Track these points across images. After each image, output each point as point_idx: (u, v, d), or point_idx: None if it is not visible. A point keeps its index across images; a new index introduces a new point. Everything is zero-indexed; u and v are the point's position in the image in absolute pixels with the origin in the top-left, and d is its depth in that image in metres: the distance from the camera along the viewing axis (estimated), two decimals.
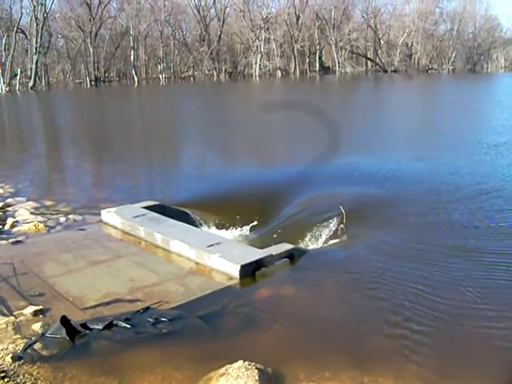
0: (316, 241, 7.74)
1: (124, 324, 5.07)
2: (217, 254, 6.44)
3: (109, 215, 8.20)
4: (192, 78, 64.73)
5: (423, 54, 74.82)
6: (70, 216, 8.62)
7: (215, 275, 6.33)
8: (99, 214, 8.59)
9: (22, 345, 4.77)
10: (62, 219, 8.47)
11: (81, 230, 7.98)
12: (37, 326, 5.07)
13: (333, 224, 7.90)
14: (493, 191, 9.60)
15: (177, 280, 6.19)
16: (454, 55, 71.61)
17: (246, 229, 8.44)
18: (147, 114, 30.27)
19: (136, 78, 69.89)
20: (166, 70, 68.45)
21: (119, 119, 27.31)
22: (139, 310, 5.35)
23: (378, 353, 4.89)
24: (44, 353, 4.69)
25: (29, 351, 4.69)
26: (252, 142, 17.51)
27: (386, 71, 72.27)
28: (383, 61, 74.51)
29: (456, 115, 23.61)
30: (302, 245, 7.61)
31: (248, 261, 6.25)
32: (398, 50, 73.15)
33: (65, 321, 4.93)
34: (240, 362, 4.46)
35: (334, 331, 5.32)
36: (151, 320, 5.16)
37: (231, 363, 4.48)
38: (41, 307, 5.44)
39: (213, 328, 5.24)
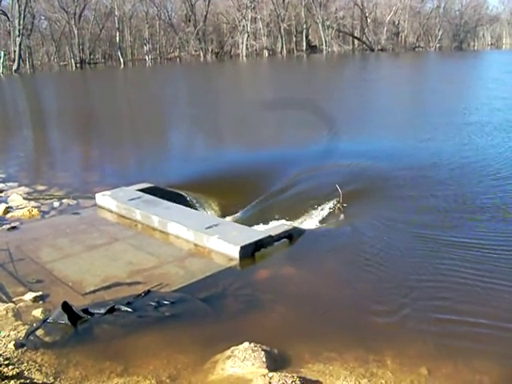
0: (313, 220, 7.72)
1: (126, 308, 5.02)
2: (216, 236, 6.39)
3: (104, 199, 8.10)
4: (178, 59, 63.89)
5: (410, 32, 74.56)
6: (64, 200, 8.50)
7: (215, 257, 6.29)
8: (93, 198, 8.49)
9: (24, 331, 4.71)
10: (56, 204, 8.35)
11: (75, 214, 7.89)
12: (37, 312, 5.01)
13: (330, 203, 7.87)
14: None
15: (176, 262, 6.15)
16: (440, 33, 71.43)
17: (242, 209, 8.39)
18: (134, 96, 29.88)
19: (122, 60, 68.82)
20: (152, 51, 67.49)
21: (106, 101, 26.95)
22: (140, 294, 5.30)
23: (381, 331, 4.91)
24: (47, 339, 4.63)
25: (31, 338, 4.63)
26: (241, 124, 17.34)
27: (372, 50, 71.98)
28: (370, 39, 74.14)
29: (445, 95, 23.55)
30: (299, 224, 7.60)
31: (247, 242, 6.21)
32: (385, 29, 72.77)
33: (66, 306, 4.87)
34: (246, 344, 4.44)
35: (336, 310, 5.34)
36: (153, 303, 5.12)
37: (236, 345, 4.46)
38: (40, 293, 5.37)
39: (215, 310, 5.23)
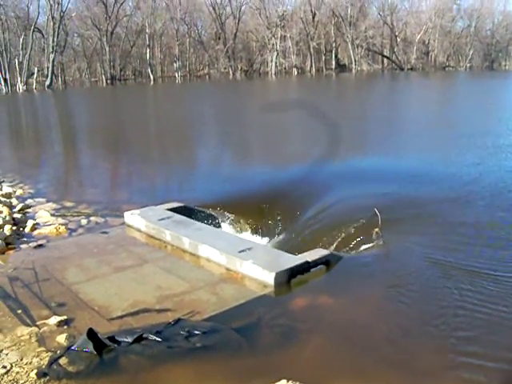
0: (350, 246, 7.32)
1: (155, 337, 4.70)
2: (250, 261, 6.05)
3: (132, 217, 7.86)
4: (207, 76, 64.42)
5: (440, 51, 73.75)
6: (92, 218, 8.29)
7: (248, 283, 5.94)
8: (121, 216, 8.26)
9: (47, 359, 4.44)
10: (84, 221, 8.15)
11: (103, 233, 7.66)
12: (61, 338, 4.73)
13: (367, 228, 7.46)
14: None
15: (208, 288, 5.82)
16: (471, 52, 70.48)
17: (276, 232, 8.06)
18: (164, 113, 30.00)
19: (152, 76, 69.79)
20: (182, 68, 68.21)
21: (136, 118, 27.06)
22: (170, 322, 4.99)
23: (430, 369, 4.50)
24: (70, 369, 4.34)
25: (54, 367, 4.35)
26: (270, 142, 17.07)
27: (402, 69, 71.35)
28: (400, 58, 73.57)
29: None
30: (335, 250, 7.22)
31: (283, 268, 5.86)
32: (415, 48, 72.16)
33: (91, 334, 4.58)
34: (283, 382, 4.08)
35: (379, 344, 4.92)
36: (184, 333, 4.79)
37: (273, 382, 4.10)
38: (65, 317, 5.09)
39: (249, 342, 4.87)
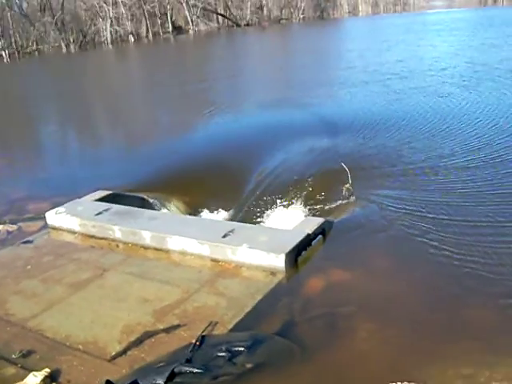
0: (323, 205, 6.63)
1: (191, 369, 3.56)
2: (244, 246, 5.04)
3: (59, 217, 6.24)
4: (37, 53, 58.05)
5: (274, 5, 74.98)
6: None
7: (250, 273, 4.95)
8: (37, 219, 6.61)
9: None
10: None
11: (26, 242, 5.97)
12: None
13: (336, 184, 6.82)
14: None
15: (206, 289, 4.71)
16: (303, 4, 72.72)
17: (227, 206, 7.05)
18: None
19: None
20: (8, 46, 60.37)
21: None
22: (194, 344, 3.85)
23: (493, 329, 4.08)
24: None
25: None
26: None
27: (239, 25, 71.43)
28: (235, 14, 73.46)
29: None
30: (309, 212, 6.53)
31: (290, 247, 4.95)
32: (249, 3, 72.45)
33: None
34: None
35: (426, 314, 4.40)
36: (223, 354, 3.71)
37: None
38: (47, 370, 3.67)
39: (299, 346, 3.96)
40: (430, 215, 5.99)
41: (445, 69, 14.55)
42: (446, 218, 5.90)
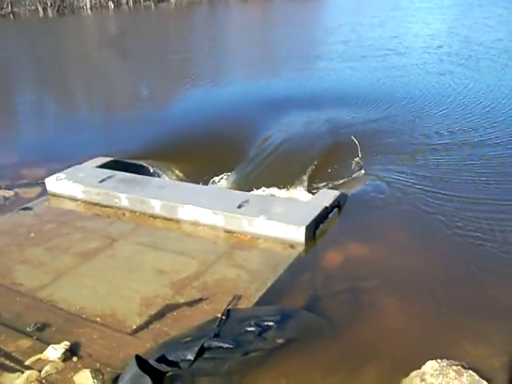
0: (332, 179, 6.48)
1: (221, 344, 3.39)
2: (262, 217, 4.84)
3: (60, 184, 5.94)
4: (12, 16, 55.86)
5: None
6: None
7: (268, 245, 4.78)
8: (34, 185, 6.30)
9: None
10: None
11: (25, 209, 5.67)
12: (85, 380, 3.16)
13: (346, 158, 6.66)
14: None
15: (225, 261, 4.53)
16: None
17: (232, 174, 6.83)
18: None
19: None
20: None
21: None
22: (220, 318, 3.67)
23: None
24: None
25: None
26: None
27: None
28: None
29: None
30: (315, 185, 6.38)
31: (309, 220, 4.78)
32: None
33: (142, 363, 3.11)
34: (432, 364, 3.19)
35: (450, 290, 4.32)
36: (252, 329, 3.55)
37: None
38: (66, 344, 3.45)
39: (327, 320, 3.83)
40: (443, 191, 5.91)
41: (441, 46, 14.38)
42: (458, 194, 5.81)
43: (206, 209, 5.09)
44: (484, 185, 6.06)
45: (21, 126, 10.63)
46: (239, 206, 5.08)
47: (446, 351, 3.47)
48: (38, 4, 57.82)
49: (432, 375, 3.19)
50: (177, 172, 7.16)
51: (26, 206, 5.72)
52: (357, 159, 6.57)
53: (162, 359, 3.26)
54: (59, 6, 59.69)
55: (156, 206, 5.34)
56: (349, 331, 3.79)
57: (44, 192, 6.13)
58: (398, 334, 3.80)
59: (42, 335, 3.61)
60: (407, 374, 3.34)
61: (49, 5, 58.64)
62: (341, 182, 6.40)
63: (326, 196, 5.32)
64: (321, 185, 6.50)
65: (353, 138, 6.68)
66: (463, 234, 4.98)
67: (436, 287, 4.30)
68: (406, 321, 3.93)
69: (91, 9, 59.72)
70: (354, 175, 6.48)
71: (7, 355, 3.42)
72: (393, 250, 4.90)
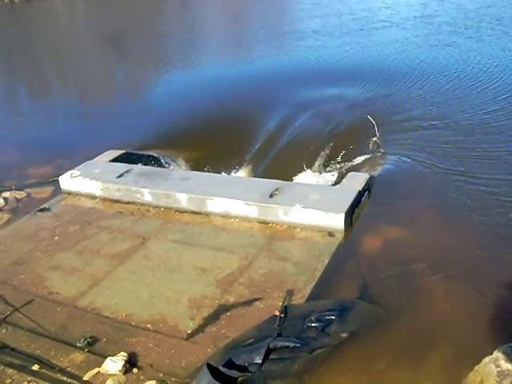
0: (351, 159, 6.36)
1: (287, 343, 3.27)
2: (297, 206, 4.70)
3: (75, 181, 5.69)
4: None
5: None
6: (6, 195, 5.83)
7: (306, 234, 4.65)
8: (46, 184, 6.05)
9: None
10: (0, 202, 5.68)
11: (42, 210, 5.42)
12: None
13: (364, 138, 6.52)
14: None
15: (266, 254, 4.39)
16: None
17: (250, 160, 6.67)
18: None
19: None
20: None
21: None
22: (279, 316, 3.55)
23: None
24: None
25: None
26: None
27: None
28: None
29: None
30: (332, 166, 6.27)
31: (347, 206, 4.66)
32: None
33: (213, 371, 2.97)
34: (504, 348, 3.10)
35: (497, 270, 4.22)
36: (315, 325, 3.43)
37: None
38: (124, 355, 3.29)
39: (384, 309, 3.74)
40: (461, 169, 5.82)
41: (436, 16, 14.16)
42: (481, 174, 5.71)
43: (237, 200, 4.92)
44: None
45: (11, 120, 10.18)
46: (271, 196, 4.92)
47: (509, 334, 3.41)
48: None
49: (506, 360, 3.11)
50: (185, 161, 6.94)
51: (43, 206, 5.48)
52: (375, 139, 6.44)
53: (229, 364, 3.12)
54: None
55: (182, 200, 5.15)
56: (405, 318, 3.71)
57: (57, 191, 5.88)
58: (454, 317, 3.72)
59: (94, 347, 3.43)
60: (475, 360, 3.26)
61: None
62: (361, 162, 6.29)
63: (357, 179, 5.19)
64: (338, 166, 6.41)
65: (369, 117, 6.53)
66: (498, 212, 4.90)
67: (480, 268, 4.23)
68: (461, 304, 3.85)
69: None
70: (373, 155, 6.37)
71: (63, 371, 3.24)
72: (428, 232, 4.81)
